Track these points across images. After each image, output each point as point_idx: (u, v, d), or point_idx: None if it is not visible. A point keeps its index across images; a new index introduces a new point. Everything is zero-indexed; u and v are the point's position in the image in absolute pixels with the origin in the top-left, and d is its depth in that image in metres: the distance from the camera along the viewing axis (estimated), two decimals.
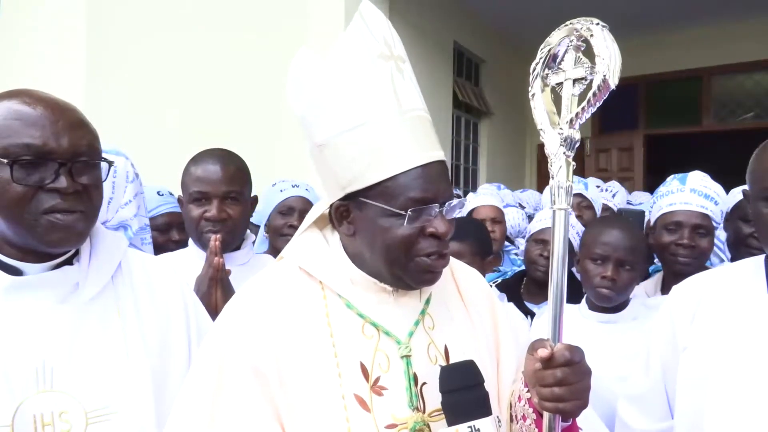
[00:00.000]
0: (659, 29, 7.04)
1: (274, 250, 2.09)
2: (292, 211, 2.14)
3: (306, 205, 2.14)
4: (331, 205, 1.03)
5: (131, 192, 1.83)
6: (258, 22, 4.21)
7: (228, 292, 1.50)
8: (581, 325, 1.82)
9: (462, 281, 1.17)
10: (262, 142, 4.03)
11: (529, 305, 2.32)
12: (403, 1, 5.11)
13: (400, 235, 0.95)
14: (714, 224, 1.96)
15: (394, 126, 0.95)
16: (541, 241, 2.32)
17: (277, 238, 2.15)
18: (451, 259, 1.18)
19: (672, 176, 2.10)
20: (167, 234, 2.19)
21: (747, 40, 6.72)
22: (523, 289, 2.42)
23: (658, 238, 2.00)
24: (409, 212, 0.94)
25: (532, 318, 2.24)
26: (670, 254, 1.95)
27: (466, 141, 7.17)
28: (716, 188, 2.00)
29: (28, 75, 3.54)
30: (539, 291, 2.33)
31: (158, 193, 2.23)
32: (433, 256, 0.98)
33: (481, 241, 2.11)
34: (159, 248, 2.10)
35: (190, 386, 0.99)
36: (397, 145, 0.95)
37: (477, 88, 7.22)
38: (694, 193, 1.96)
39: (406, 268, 0.99)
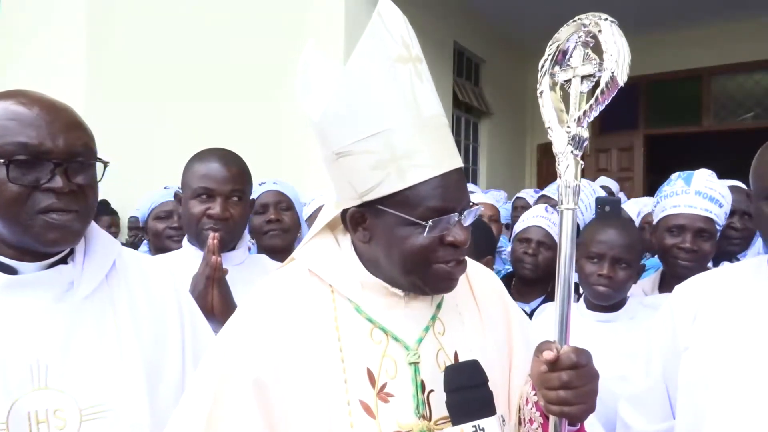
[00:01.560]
0: (659, 29, 7.03)
1: (263, 251, 2.08)
2: (267, 208, 2.11)
3: (278, 197, 2.13)
4: (345, 211, 1.01)
5: None
6: (258, 21, 4.21)
7: (224, 291, 1.50)
8: (579, 325, 1.82)
9: (476, 281, 1.16)
10: (263, 141, 4.03)
11: (520, 304, 2.33)
12: (403, 1, 5.11)
13: (419, 245, 0.94)
14: (717, 227, 1.93)
15: (415, 134, 0.93)
16: (525, 239, 2.36)
17: (261, 237, 2.12)
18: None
19: (677, 174, 2.05)
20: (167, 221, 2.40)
21: (747, 40, 6.72)
22: (513, 289, 2.45)
23: (660, 239, 1.98)
24: (429, 223, 0.93)
25: None
26: (672, 257, 1.94)
27: (466, 141, 7.18)
28: (722, 189, 1.96)
29: (28, 75, 3.56)
30: (528, 290, 2.36)
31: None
32: (452, 263, 0.98)
33: (476, 242, 2.14)
34: (160, 235, 2.36)
35: (191, 393, 0.99)
36: (418, 154, 0.93)
37: (477, 88, 7.23)
38: (698, 196, 1.93)
39: (424, 276, 0.98)
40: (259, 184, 2.19)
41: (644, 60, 7.06)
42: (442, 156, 0.95)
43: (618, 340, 1.74)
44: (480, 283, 1.17)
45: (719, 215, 1.92)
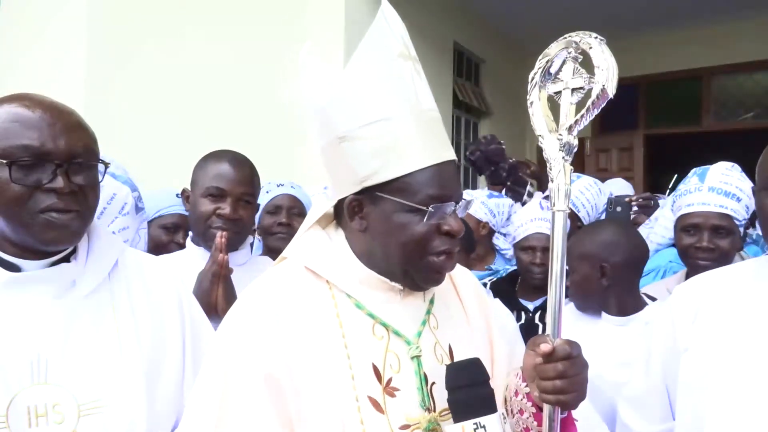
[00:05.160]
0: (659, 29, 7.03)
1: (268, 250, 2.13)
2: (280, 210, 2.18)
3: (293, 202, 2.18)
4: (342, 200, 1.04)
5: (122, 224, 1.78)
6: (257, 21, 4.23)
7: (229, 290, 1.53)
8: (586, 327, 1.82)
9: (458, 280, 1.19)
10: (262, 140, 4.05)
11: (524, 302, 2.36)
12: (403, 1, 5.13)
13: (418, 231, 0.98)
14: (736, 222, 1.87)
15: (414, 124, 0.99)
16: (528, 248, 2.32)
17: (268, 237, 2.19)
18: None
19: (693, 171, 2.01)
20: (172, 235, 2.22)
21: (747, 40, 6.71)
22: (519, 287, 2.45)
23: (678, 239, 1.95)
24: (430, 208, 0.96)
25: (525, 314, 2.29)
26: (690, 257, 1.90)
27: (466, 141, 7.18)
28: (740, 183, 1.90)
29: (28, 77, 3.57)
30: (534, 291, 2.36)
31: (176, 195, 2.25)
32: (443, 256, 1.01)
33: (466, 237, 2.21)
34: (161, 248, 2.13)
35: (198, 394, 0.99)
36: (417, 142, 0.98)
37: (477, 88, 7.23)
38: (712, 192, 1.88)
39: (418, 266, 1.01)
40: (277, 185, 2.24)
41: (644, 60, 7.08)
42: (438, 147, 1.00)
43: (629, 346, 1.71)
44: (462, 283, 1.20)
45: (737, 210, 1.87)
